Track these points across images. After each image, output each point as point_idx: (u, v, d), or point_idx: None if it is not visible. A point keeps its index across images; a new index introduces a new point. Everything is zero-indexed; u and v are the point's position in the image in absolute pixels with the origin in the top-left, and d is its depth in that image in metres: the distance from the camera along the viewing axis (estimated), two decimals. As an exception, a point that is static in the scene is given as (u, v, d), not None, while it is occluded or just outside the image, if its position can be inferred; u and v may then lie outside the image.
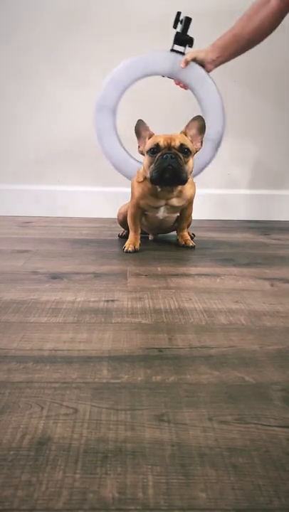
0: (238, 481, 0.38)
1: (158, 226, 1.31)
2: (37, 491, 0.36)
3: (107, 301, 0.81)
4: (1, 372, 0.54)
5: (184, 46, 1.37)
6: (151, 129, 1.18)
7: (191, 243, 1.28)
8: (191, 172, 1.14)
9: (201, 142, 1.18)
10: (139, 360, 0.58)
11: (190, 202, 1.25)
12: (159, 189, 1.15)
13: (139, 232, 1.26)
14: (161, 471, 0.39)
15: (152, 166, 1.10)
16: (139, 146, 1.18)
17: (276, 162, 1.88)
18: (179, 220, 1.29)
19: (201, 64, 1.34)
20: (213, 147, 1.39)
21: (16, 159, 1.84)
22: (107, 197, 1.83)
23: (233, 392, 0.51)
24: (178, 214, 1.27)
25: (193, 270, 1.04)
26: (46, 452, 0.41)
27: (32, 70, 1.75)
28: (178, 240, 1.32)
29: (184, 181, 1.12)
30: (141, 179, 1.19)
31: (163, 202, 1.20)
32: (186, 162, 1.10)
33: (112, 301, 0.81)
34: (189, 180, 1.17)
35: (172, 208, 1.22)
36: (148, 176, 1.13)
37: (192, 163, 1.14)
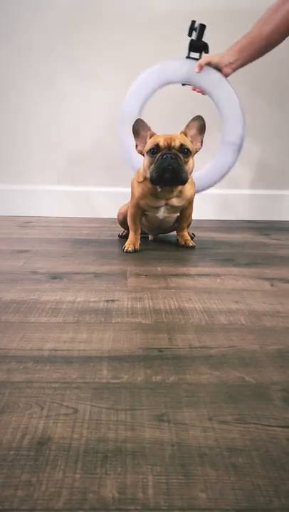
0: (238, 481, 0.38)
1: (158, 226, 1.31)
2: (37, 491, 0.36)
3: (107, 301, 0.81)
4: (1, 372, 0.54)
5: (200, 52, 1.38)
6: (153, 128, 1.18)
7: (191, 243, 1.28)
8: (191, 172, 1.14)
9: (201, 142, 1.18)
10: (139, 360, 0.58)
11: (190, 202, 1.25)
12: (159, 189, 1.15)
13: (139, 232, 1.26)
14: (161, 471, 0.39)
15: (152, 166, 1.10)
16: (136, 146, 1.18)
17: (276, 162, 1.88)
18: (179, 220, 1.29)
19: (217, 68, 1.34)
20: (235, 150, 1.36)
21: (16, 159, 1.84)
22: (107, 197, 1.83)
23: (233, 392, 0.51)
24: (178, 214, 1.27)
25: (193, 270, 1.04)
26: (46, 452, 0.41)
27: (32, 70, 1.75)
28: (178, 239, 1.32)
29: (184, 181, 1.12)
30: (141, 179, 1.19)
31: (163, 202, 1.20)
32: (186, 162, 1.10)
33: (112, 301, 0.81)
34: (189, 180, 1.17)
35: (172, 208, 1.22)
36: (148, 176, 1.13)
37: (192, 163, 1.14)
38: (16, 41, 1.72)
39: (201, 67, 1.34)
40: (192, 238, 1.36)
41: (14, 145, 1.83)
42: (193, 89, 1.44)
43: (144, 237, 1.34)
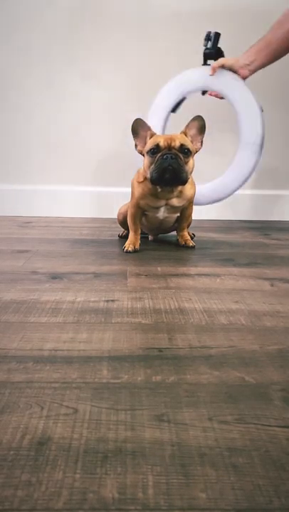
0: (238, 481, 0.38)
1: (158, 226, 1.31)
2: (37, 491, 0.36)
3: (107, 301, 0.81)
4: (1, 372, 0.54)
5: (215, 59, 1.38)
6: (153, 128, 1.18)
7: (191, 243, 1.28)
8: (191, 172, 1.14)
9: (201, 142, 1.18)
10: (139, 360, 0.58)
11: (190, 202, 1.25)
12: (159, 189, 1.15)
13: (139, 232, 1.26)
14: (161, 471, 0.39)
15: (152, 166, 1.10)
16: (136, 145, 1.18)
17: (276, 162, 1.87)
18: (179, 220, 1.29)
19: (232, 70, 1.33)
20: (255, 151, 1.33)
21: (16, 159, 1.84)
22: (107, 197, 1.83)
23: (233, 392, 0.51)
24: (178, 214, 1.27)
25: (193, 270, 1.04)
26: (46, 452, 0.41)
27: (32, 70, 1.75)
28: (178, 239, 1.32)
29: (184, 181, 1.12)
30: (141, 179, 1.19)
31: (163, 202, 1.20)
32: (186, 162, 1.10)
33: (112, 301, 0.81)
34: (189, 180, 1.16)
35: (172, 208, 1.22)
36: (148, 176, 1.13)
37: (192, 163, 1.14)
38: (16, 41, 1.72)
39: (214, 70, 1.33)
40: (192, 238, 1.36)
41: (14, 145, 1.83)
42: (210, 94, 1.44)
43: (144, 237, 1.34)
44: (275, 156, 1.86)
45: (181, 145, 1.09)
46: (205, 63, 1.40)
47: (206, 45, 1.39)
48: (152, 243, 1.35)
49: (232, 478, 0.38)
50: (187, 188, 1.19)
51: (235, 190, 1.40)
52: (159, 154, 1.09)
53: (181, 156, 1.09)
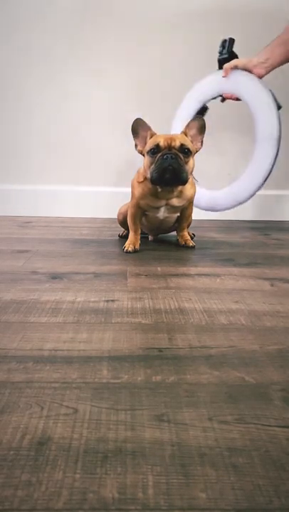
0: (238, 481, 0.38)
1: (158, 226, 1.31)
2: (37, 491, 0.36)
3: (107, 301, 0.81)
4: (1, 372, 0.54)
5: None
6: (154, 128, 1.17)
7: (191, 243, 1.28)
8: (191, 172, 1.14)
9: (202, 142, 1.18)
10: (139, 360, 0.58)
11: (190, 202, 1.25)
12: (159, 189, 1.15)
13: (139, 232, 1.26)
14: (161, 471, 0.39)
15: (153, 166, 1.10)
16: (136, 145, 1.18)
17: (277, 162, 1.87)
18: (179, 220, 1.29)
19: (246, 70, 1.33)
20: (273, 145, 1.28)
21: (17, 159, 1.84)
22: (107, 197, 1.83)
23: (233, 392, 0.51)
24: (178, 214, 1.27)
25: (193, 270, 1.04)
26: (46, 452, 0.41)
27: (32, 70, 1.75)
28: (178, 239, 1.32)
29: (184, 181, 1.12)
30: (141, 179, 1.19)
31: (163, 202, 1.20)
32: (186, 162, 1.10)
33: (112, 301, 0.81)
34: (189, 180, 1.16)
35: (172, 208, 1.22)
36: (148, 176, 1.13)
37: (192, 163, 1.14)
38: (16, 41, 1.72)
39: (227, 71, 1.33)
40: (192, 238, 1.36)
41: (14, 145, 1.83)
42: (227, 97, 1.43)
43: (144, 237, 1.34)
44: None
45: (182, 145, 1.09)
46: (220, 69, 1.40)
47: (220, 52, 1.39)
48: (152, 243, 1.35)
49: (232, 478, 0.38)
50: (187, 188, 1.19)
51: (259, 189, 1.35)
52: (159, 154, 1.09)
53: (181, 156, 1.09)
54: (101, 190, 1.85)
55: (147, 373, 0.55)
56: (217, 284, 0.93)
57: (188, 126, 1.17)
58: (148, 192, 1.18)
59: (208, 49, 1.68)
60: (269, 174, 1.32)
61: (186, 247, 1.28)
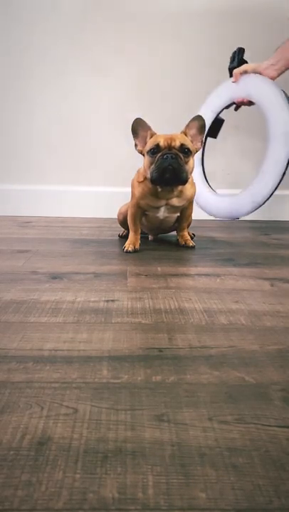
0: (238, 481, 0.38)
1: (158, 226, 1.31)
2: (37, 491, 0.36)
3: (107, 301, 0.81)
4: (1, 372, 0.54)
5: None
6: (154, 128, 1.17)
7: (191, 243, 1.28)
8: (191, 172, 1.14)
9: (201, 142, 1.18)
10: (139, 360, 0.58)
11: (190, 202, 1.25)
12: (159, 189, 1.15)
13: (139, 232, 1.26)
14: (161, 471, 0.39)
15: (153, 166, 1.10)
16: (136, 145, 1.18)
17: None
18: (179, 220, 1.29)
19: (256, 73, 1.33)
20: (287, 143, 1.25)
21: (17, 159, 1.84)
22: (107, 197, 1.83)
23: (233, 392, 0.51)
24: (178, 214, 1.27)
25: (193, 270, 1.04)
26: (46, 452, 0.41)
27: (34, 70, 1.75)
28: (178, 240, 1.32)
29: (184, 181, 1.12)
30: (141, 179, 1.19)
31: (163, 202, 1.20)
32: (186, 162, 1.10)
33: (112, 301, 0.81)
34: (189, 180, 1.16)
35: (172, 208, 1.22)
36: (148, 176, 1.13)
37: (192, 163, 1.14)
38: (17, 41, 1.72)
39: (237, 76, 1.33)
40: (192, 238, 1.36)
41: (15, 145, 1.83)
42: (239, 103, 1.42)
43: (144, 237, 1.34)
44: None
45: (182, 145, 1.09)
46: (231, 77, 1.41)
47: (232, 62, 1.40)
48: (152, 243, 1.35)
49: (232, 478, 0.38)
50: (187, 188, 1.19)
51: (276, 188, 1.33)
52: (159, 154, 1.09)
53: (181, 155, 1.09)
54: (101, 190, 1.85)
55: (147, 373, 0.55)
56: (217, 284, 0.93)
57: (188, 126, 1.17)
58: (148, 192, 1.18)
59: (208, 49, 1.68)
60: (285, 171, 1.30)
61: (186, 247, 1.28)
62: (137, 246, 1.23)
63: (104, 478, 0.38)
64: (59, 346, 0.62)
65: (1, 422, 0.45)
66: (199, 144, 1.17)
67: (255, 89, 1.32)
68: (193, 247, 1.28)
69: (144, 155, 1.16)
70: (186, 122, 1.17)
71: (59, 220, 1.77)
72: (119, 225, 1.43)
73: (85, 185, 1.86)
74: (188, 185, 1.18)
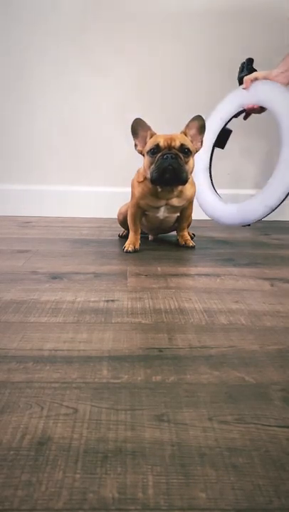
0: (238, 481, 0.38)
1: (158, 226, 1.31)
2: (37, 491, 0.36)
3: (107, 301, 0.81)
4: (1, 372, 0.54)
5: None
6: (154, 128, 1.17)
7: (191, 243, 1.28)
8: (191, 172, 1.14)
9: (201, 142, 1.18)
10: (139, 360, 0.58)
11: (190, 202, 1.25)
12: (159, 189, 1.15)
13: (139, 232, 1.26)
14: (161, 471, 0.39)
15: (153, 166, 1.10)
16: (136, 145, 1.18)
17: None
18: (179, 220, 1.29)
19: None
20: None
21: (18, 160, 1.84)
22: (107, 197, 1.83)
23: (233, 392, 0.51)
24: (178, 214, 1.27)
25: (193, 270, 1.04)
26: (46, 452, 0.41)
27: (33, 71, 1.75)
28: (178, 239, 1.32)
29: (184, 181, 1.12)
30: (141, 179, 1.19)
31: (163, 202, 1.20)
32: (186, 162, 1.10)
33: (112, 301, 0.81)
34: (189, 180, 1.16)
35: (172, 208, 1.22)
36: (148, 176, 1.13)
37: (192, 163, 1.14)
38: (18, 41, 1.72)
39: (248, 83, 1.33)
40: (192, 238, 1.36)
41: (16, 146, 1.83)
42: (249, 110, 1.41)
43: (144, 237, 1.34)
44: (276, 156, 1.86)
45: (182, 145, 1.09)
46: (241, 85, 1.41)
47: (241, 72, 1.40)
48: (152, 243, 1.35)
49: (232, 478, 0.38)
50: (187, 188, 1.19)
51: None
52: (159, 154, 1.09)
53: (181, 155, 1.09)
54: (101, 190, 1.85)
55: (147, 373, 0.55)
56: (217, 284, 0.93)
57: (188, 126, 1.16)
58: (148, 192, 1.18)
59: (208, 49, 1.68)
60: None
61: (186, 247, 1.28)
62: (137, 246, 1.23)
63: (104, 478, 0.38)
64: (59, 346, 0.62)
65: (1, 422, 0.45)
66: (199, 143, 1.17)
67: (267, 95, 1.32)
68: (193, 247, 1.28)
69: (144, 155, 1.16)
70: (186, 122, 1.17)
71: (59, 220, 1.77)
72: (119, 225, 1.43)
73: (85, 185, 1.86)
74: (188, 185, 1.18)
